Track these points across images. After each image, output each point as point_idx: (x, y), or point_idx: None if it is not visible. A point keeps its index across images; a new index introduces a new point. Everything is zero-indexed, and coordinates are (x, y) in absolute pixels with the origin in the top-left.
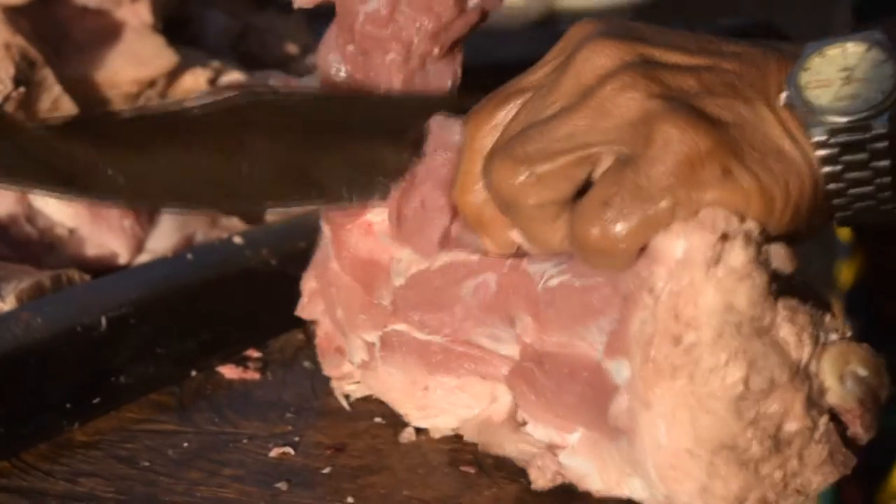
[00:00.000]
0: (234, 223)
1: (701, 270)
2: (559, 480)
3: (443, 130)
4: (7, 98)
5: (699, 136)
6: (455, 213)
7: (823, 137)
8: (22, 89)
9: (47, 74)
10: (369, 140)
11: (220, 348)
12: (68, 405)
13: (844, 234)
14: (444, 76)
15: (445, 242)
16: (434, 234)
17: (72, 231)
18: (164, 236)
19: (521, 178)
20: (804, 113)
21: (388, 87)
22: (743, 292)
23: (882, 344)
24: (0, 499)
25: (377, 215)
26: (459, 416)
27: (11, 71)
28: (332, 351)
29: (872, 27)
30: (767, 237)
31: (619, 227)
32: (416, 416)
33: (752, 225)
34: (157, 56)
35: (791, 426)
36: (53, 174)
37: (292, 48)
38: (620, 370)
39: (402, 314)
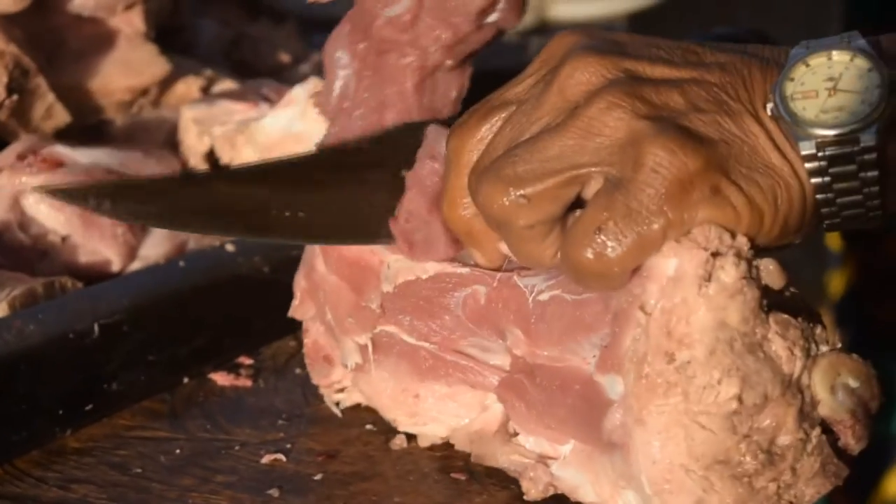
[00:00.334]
0: None
1: (693, 288)
2: (551, 491)
3: (435, 140)
4: (0, 106)
5: (688, 157)
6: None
7: (812, 151)
8: (15, 97)
9: (40, 82)
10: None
11: (212, 355)
12: (61, 412)
13: (834, 243)
14: (451, 86)
15: (443, 248)
16: (423, 240)
17: (65, 238)
18: (157, 244)
19: (510, 199)
20: (791, 125)
21: (401, 89)
22: (735, 309)
23: (874, 351)
24: None
25: None
26: (449, 425)
27: (4, 79)
28: (321, 360)
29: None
30: (757, 252)
31: (613, 252)
32: (405, 422)
33: (742, 241)
34: (150, 64)
35: (784, 439)
36: (241, 220)
37: (285, 57)
38: (613, 385)
39: (391, 317)
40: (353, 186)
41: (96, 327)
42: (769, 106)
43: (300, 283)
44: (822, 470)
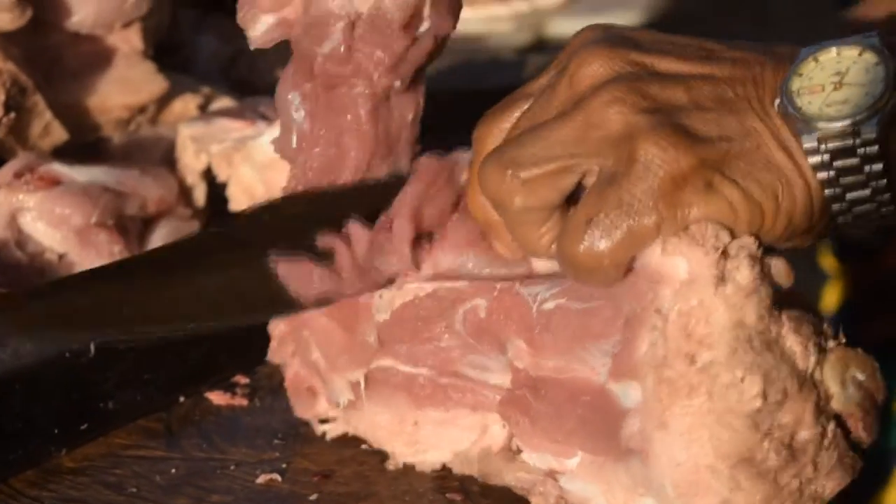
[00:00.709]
0: None
1: (709, 289)
2: None
3: (428, 165)
4: None
5: (680, 154)
6: (417, 237)
7: (814, 144)
8: (12, 115)
9: (38, 100)
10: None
11: (208, 374)
12: (56, 431)
13: (827, 262)
14: (406, 109)
15: (420, 256)
16: (396, 254)
17: (61, 256)
18: None
19: (507, 180)
20: (795, 120)
21: (355, 118)
22: (751, 308)
23: None
24: None
25: None
26: (450, 451)
27: (2, 97)
28: (304, 392)
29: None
30: (765, 251)
31: (604, 244)
32: (404, 452)
33: (750, 241)
34: (148, 82)
35: (804, 434)
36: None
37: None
38: (628, 392)
39: (388, 348)
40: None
41: (92, 346)
42: (777, 102)
43: (278, 327)
44: (840, 463)
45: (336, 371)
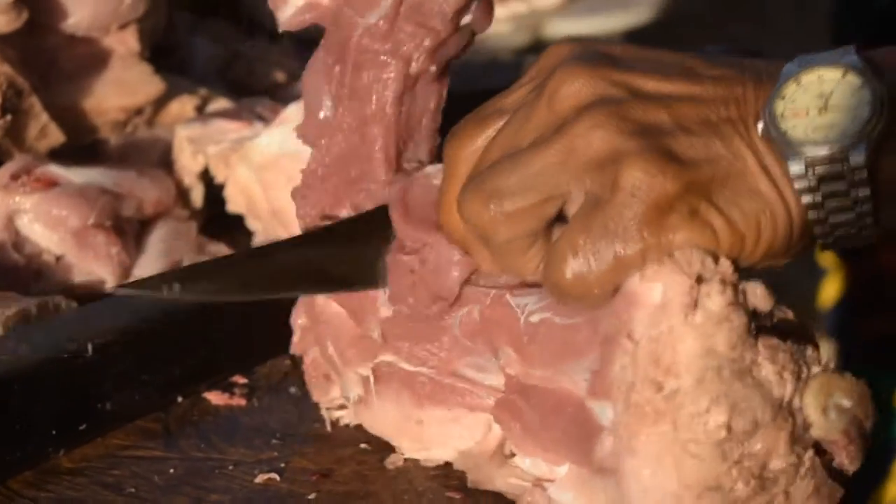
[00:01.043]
0: (221, 248)
1: (679, 316)
2: None
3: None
4: None
5: (667, 180)
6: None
7: (801, 170)
8: (9, 117)
9: (34, 102)
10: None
11: (206, 374)
12: (54, 432)
13: (825, 258)
14: (431, 97)
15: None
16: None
17: (59, 258)
18: (151, 263)
19: (490, 213)
20: (780, 144)
21: (380, 104)
22: (722, 336)
23: (865, 363)
24: None
25: None
26: (455, 448)
27: None
28: (321, 377)
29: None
30: (743, 274)
31: (591, 273)
32: (411, 448)
33: (726, 266)
34: (145, 84)
35: (776, 464)
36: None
37: (280, 75)
38: (604, 411)
39: (391, 345)
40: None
41: (90, 347)
42: (760, 125)
43: (299, 319)
44: (817, 492)
45: (347, 365)
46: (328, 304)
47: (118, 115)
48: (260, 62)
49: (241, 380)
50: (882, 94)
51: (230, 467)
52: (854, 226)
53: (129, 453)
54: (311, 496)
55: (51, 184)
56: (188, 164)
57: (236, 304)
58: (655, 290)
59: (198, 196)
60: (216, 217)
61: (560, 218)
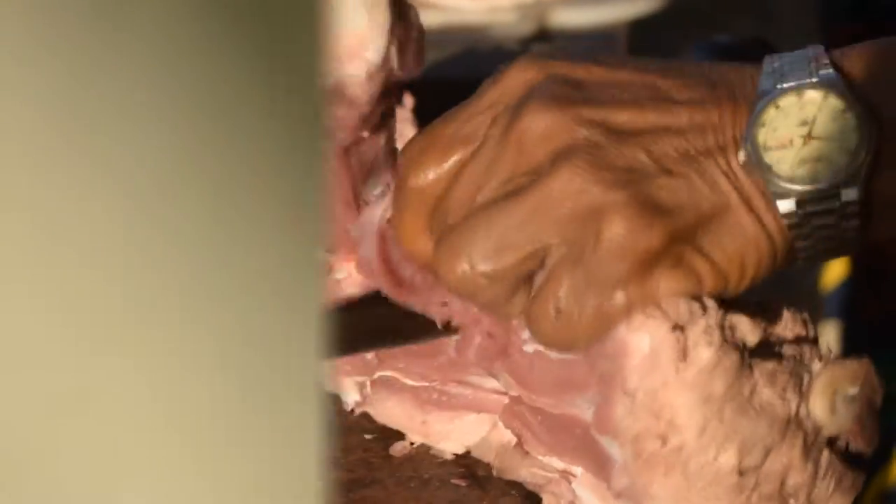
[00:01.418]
0: None
1: (671, 370)
2: None
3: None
4: None
5: (652, 235)
6: None
7: (790, 209)
8: None
9: None
10: None
11: None
12: None
13: None
14: (379, 138)
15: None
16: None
17: None
18: None
19: (469, 276)
20: (766, 180)
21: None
22: (717, 381)
23: (867, 344)
24: None
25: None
26: (464, 442)
27: None
28: None
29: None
30: (728, 306)
31: (575, 327)
32: (419, 439)
33: (713, 310)
34: None
35: (794, 479)
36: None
37: None
38: (613, 447)
39: (388, 364)
40: None
41: None
42: (741, 155)
43: None
44: (839, 487)
45: (346, 375)
46: None
47: None
48: None
49: None
50: (865, 116)
51: None
52: (839, 249)
53: None
54: None
55: None
56: None
57: None
58: (643, 341)
59: None
60: None
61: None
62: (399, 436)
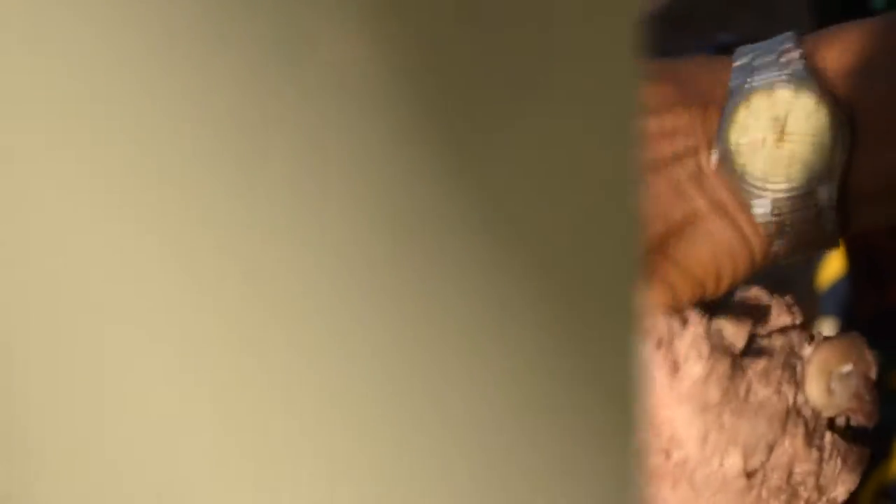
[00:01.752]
0: None
1: (665, 387)
2: None
3: None
4: None
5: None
6: None
7: (766, 211)
8: None
9: None
10: None
11: None
12: None
13: None
14: None
15: None
16: None
17: None
18: None
19: None
20: (739, 181)
21: None
22: (712, 389)
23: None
24: None
25: None
26: None
27: None
28: None
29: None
30: (713, 311)
31: None
32: None
33: (695, 321)
34: None
35: (800, 467)
36: None
37: None
38: None
39: None
40: None
41: None
42: (714, 157)
43: None
44: (845, 465)
45: None
46: None
47: None
48: None
49: None
50: (838, 112)
51: None
52: (817, 244)
53: None
54: None
55: None
56: None
57: None
58: None
59: None
60: None
61: None
62: None
